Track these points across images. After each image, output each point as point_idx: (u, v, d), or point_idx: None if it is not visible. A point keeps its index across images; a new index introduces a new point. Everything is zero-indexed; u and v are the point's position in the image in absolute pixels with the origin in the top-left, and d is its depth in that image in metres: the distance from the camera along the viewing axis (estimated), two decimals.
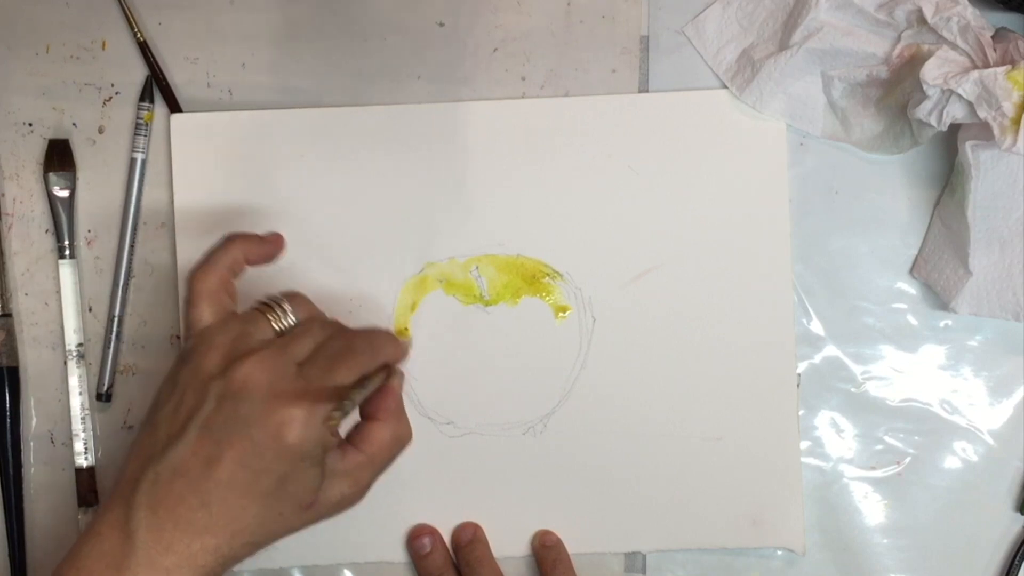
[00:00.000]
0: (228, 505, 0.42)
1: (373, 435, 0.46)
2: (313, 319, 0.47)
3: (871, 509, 0.56)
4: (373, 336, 0.47)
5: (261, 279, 0.56)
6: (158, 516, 0.42)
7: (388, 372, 0.47)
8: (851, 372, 0.56)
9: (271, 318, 0.46)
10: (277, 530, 0.44)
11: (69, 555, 0.43)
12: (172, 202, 0.56)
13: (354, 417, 0.47)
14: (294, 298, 0.47)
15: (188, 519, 0.42)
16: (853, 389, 0.56)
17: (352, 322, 0.55)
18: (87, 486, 0.56)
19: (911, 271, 0.56)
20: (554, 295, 0.56)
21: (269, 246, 0.50)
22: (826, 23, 0.53)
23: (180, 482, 0.42)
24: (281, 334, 0.46)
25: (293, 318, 0.47)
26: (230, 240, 0.49)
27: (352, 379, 0.45)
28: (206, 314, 0.46)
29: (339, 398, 0.43)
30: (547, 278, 0.56)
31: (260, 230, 0.55)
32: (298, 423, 0.42)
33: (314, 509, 0.45)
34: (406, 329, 0.55)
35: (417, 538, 0.55)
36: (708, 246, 0.56)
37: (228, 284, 0.48)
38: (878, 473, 0.56)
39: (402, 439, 0.47)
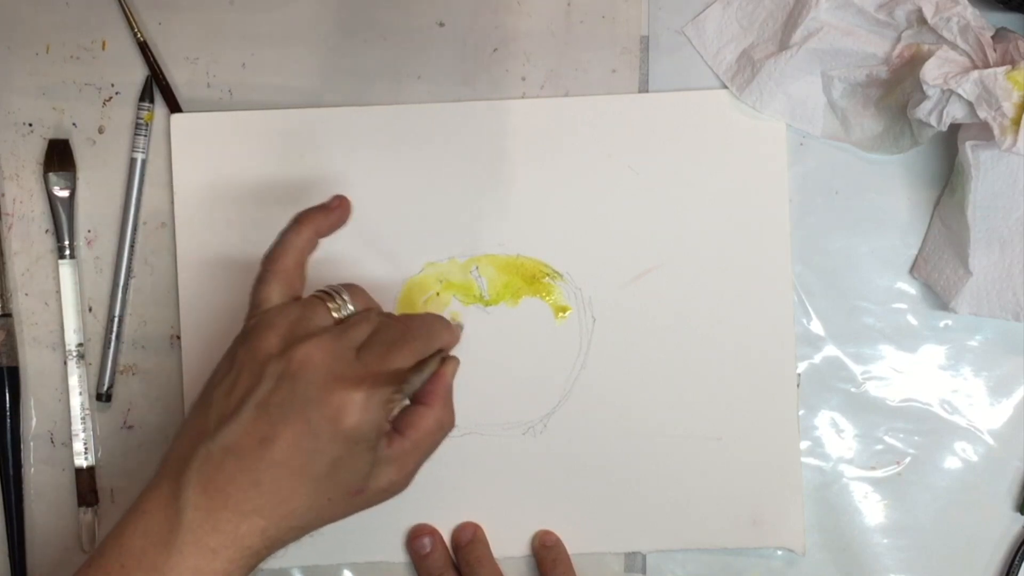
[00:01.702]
0: (279, 486, 0.42)
1: (419, 421, 0.46)
2: (370, 308, 0.47)
3: (871, 509, 0.56)
4: (429, 322, 0.48)
5: None
6: (208, 495, 0.41)
7: (443, 358, 0.48)
8: (851, 372, 0.56)
9: (330, 306, 0.46)
10: (325, 515, 0.44)
11: (113, 532, 0.42)
12: (172, 202, 0.56)
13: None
14: (352, 288, 0.47)
15: (238, 499, 0.41)
16: (853, 389, 0.56)
17: None
18: (87, 486, 0.56)
19: (911, 271, 0.56)
20: (554, 295, 0.56)
21: (336, 213, 0.50)
22: (826, 23, 0.53)
23: (232, 461, 0.42)
24: (340, 322, 0.46)
25: (351, 307, 0.46)
26: (300, 220, 0.48)
27: (409, 364, 0.45)
28: (275, 295, 0.46)
29: (398, 382, 0.44)
30: (547, 278, 0.56)
31: (260, 230, 0.55)
32: (357, 406, 0.42)
33: (363, 496, 0.44)
34: (458, 313, 0.55)
35: (417, 538, 0.55)
36: (708, 246, 0.56)
37: (301, 267, 0.48)
38: (878, 473, 0.56)
39: (445, 425, 0.47)
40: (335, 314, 0.46)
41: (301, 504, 0.43)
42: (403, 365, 0.45)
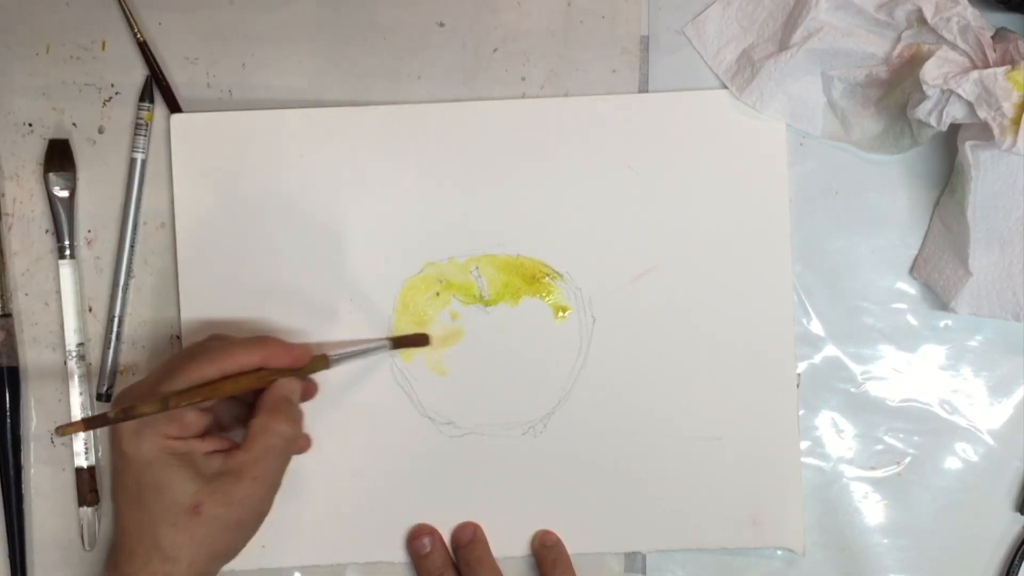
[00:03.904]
0: (125, 524, 0.48)
1: (250, 431, 0.49)
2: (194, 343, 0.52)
3: (871, 509, 0.56)
4: (241, 341, 0.50)
5: (266, 283, 0.56)
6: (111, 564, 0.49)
7: (275, 375, 0.49)
8: (851, 372, 0.56)
9: None
10: (181, 541, 0.47)
11: None
12: (172, 202, 0.56)
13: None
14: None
15: (120, 546, 0.48)
16: (853, 389, 0.56)
17: (351, 322, 0.55)
18: (87, 486, 0.56)
19: (911, 271, 0.56)
20: (554, 295, 0.56)
21: (295, 357, 0.52)
22: (826, 23, 0.53)
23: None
24: None
25: None
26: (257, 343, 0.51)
27: (189, 383, 0.48)
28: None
29: (167, 404, 0.47)
30: (547, 278, 0.56)
31: (260, 230, 0.55)
32: (127, 432, 0.47)
33: (209, 512, 0.47)
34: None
35: (417, 538, 0.55)
36: (708, 246, 0.56)
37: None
38: (878, 473, 0.56)
39: (282, 433, 0.49)
40: None
41: (141, 531, 0.47)
42: (175, 387, 0.47)
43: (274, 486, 0.49)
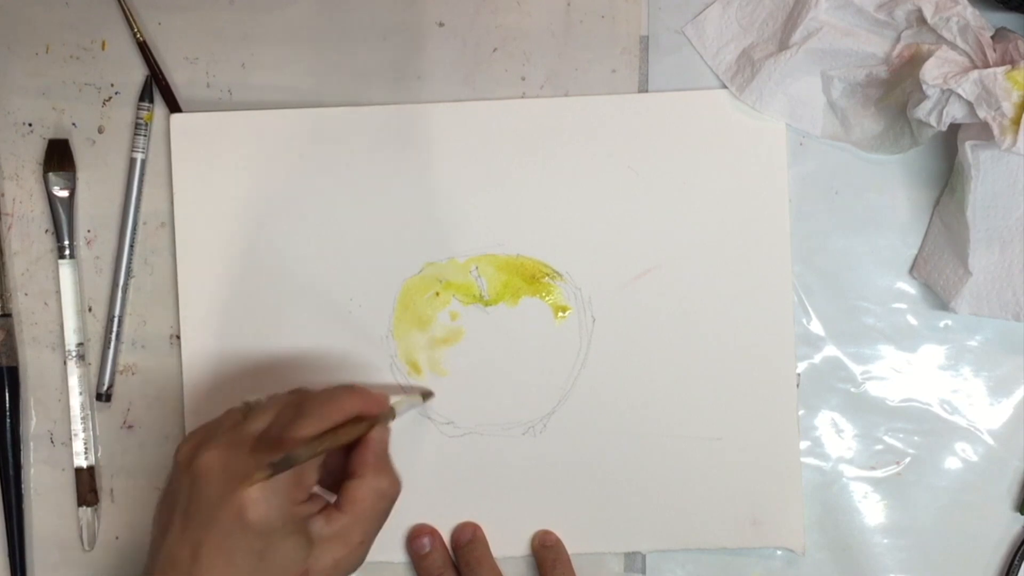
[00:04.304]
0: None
1: (353, 493, 0.46)
2: (277, 395, 0.48)
3: (871, 509, 0.56)
4: (330, 392, 0.48)
5: (266, 284, 0.56)
6: None
7: (367, 425, 0.47)
8: (851, 372, 0.56)
9: (244, 410, 0.48)
10: None
11: None
12: (172, 202, 0.56)
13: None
14: (268, 396, 0.49)
15: None
16: (853, 389, 0.56)
17: (351, 322, 0.55)
18: (87, 486, 0.56)
19: (911, 271, 0.56)
20: (554, 295, 0.56)
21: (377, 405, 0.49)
22: (826, 23, 0.53)
23: (173, 572, 0.44)
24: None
25: (261, 400, 0.48)
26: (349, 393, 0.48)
27: (309, 436, 0.45)
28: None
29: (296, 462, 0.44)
30: (547, 278, 0.56)
31: (260, 230, 0.55)
32: (255, 501, 0.43)
33: None
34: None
35: (417, 538, 0.55)
36: (708, 246, 0.56)
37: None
38: (878, 473, 0.56)
39: (385, 493, 0.47)
40: (243, 414, 0.47)
41: None
42: (300, 440, 0.45)
43: (372, 543, 0.47)
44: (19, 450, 0.56)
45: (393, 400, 0.50)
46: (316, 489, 0.47)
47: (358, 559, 0.47)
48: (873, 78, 0.53)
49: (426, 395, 0.55)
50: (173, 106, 0.57)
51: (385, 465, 0.48)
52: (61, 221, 0.56)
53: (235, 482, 0.43)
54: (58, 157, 0.57)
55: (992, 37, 0.51)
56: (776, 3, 0.55)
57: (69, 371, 0.56)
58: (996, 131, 0.48)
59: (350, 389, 0.48)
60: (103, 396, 0.56)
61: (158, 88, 0.57)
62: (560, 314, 0.56)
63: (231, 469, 0.44)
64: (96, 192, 0.57)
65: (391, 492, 0.47)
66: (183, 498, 0.45)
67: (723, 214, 0.56)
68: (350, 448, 0.48)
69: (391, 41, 0.57)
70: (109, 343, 0.56)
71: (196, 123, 0.56)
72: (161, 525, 0.46)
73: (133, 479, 0.56)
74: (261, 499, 0.43)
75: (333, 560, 0.45)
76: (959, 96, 0.49)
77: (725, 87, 0.56)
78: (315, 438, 0.45)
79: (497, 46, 0.57)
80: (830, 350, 0.56)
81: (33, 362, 0.57)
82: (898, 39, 0.53)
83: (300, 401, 0.47)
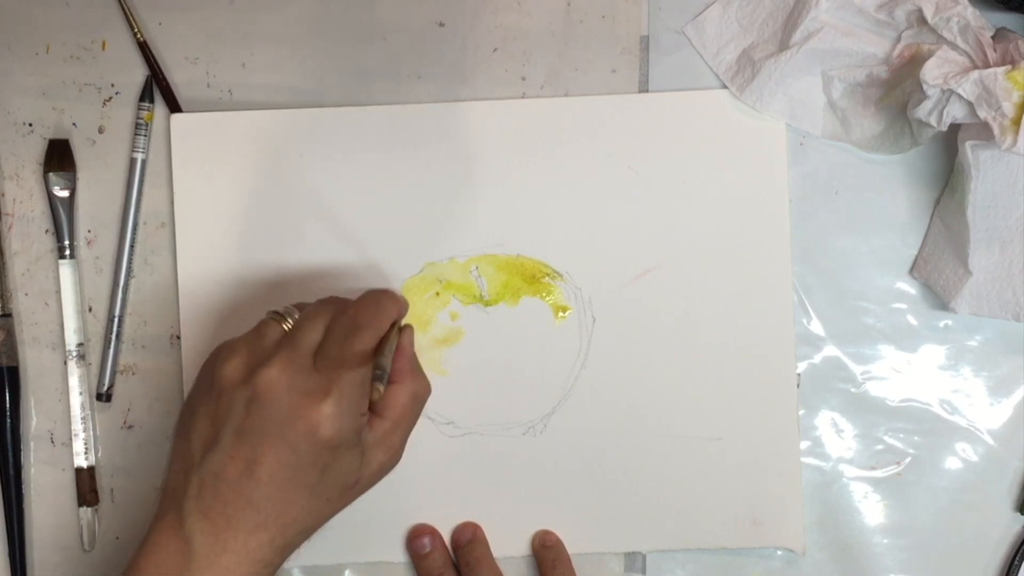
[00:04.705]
0: (274, 501, 0.44)
1: (394, 399, 0.47)
2: (313, 305, 0.48)
3: (871, 509, 0.56)
4: (375, 299, 0.48)
5: (266, 284, 0.56)
6: (210, 520, 0.43)
7: (398, 330, 0.48)
8: (851, 372, 0.56)
9: (279, 321, 0.48)
10: (327, 513, 0.46)
11: (128, 569, 0.44)
12: (172, 202, 0.56)
13: None
14: (300, 305, 0.49)
15: (238, 519, 0.43)
16: (853, 389, 0.56)
17: None
18: (87, 486, 0.56)
19: (911, 271, 0.56)
20: (554, 295, 0.56)
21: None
22: (826, 23, 0.53)
23: (223, 486, 0.44)
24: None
25: (298, 315, 0.48)
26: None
27: (369, 348, 0.46)
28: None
29: (361, 374, 0.45)
30: (547, 278, 0.56)
31: (260, 230, 0.55)
32: (329, 417, 0.44)
33: (359, 485, 0.47)
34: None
35: (417, 538, 0.55)
36: (708, 246, 0.56)
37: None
38: (878, 473, 0.56)
39: (420, 396, 0.49)
40: (284, 326, 0.47)
41: (301, 511, 0.44)
42: (363, 353, 0.45)
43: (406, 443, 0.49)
44: (19, 450, 0.56)
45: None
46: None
47: (397, 460, 0.48)
48: (873, 78, 0.53)
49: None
50: (173, 106, 0.57)
51: (417, 368, 0.49)
52: (61, 221, 0.56)
53: (306, 399, 0.44)
54: (58, 157, 0.57)
55: (992, 37, 0.51)
56: (776, 3, 0.55)
57: (69, 371, 0.56)
58: (996, 131, 0.48)
59: (387, 294, 0.48)
60: (103, 396, 0.56)
61: (158, 88, 0.57)
62: (560, 314, 0.56)
63: (298, 387, 0.44)
64: (96, 192, 0.57)
65: (424, 394, 0.49)
66: (236, 415, 0.44)
67: (723, 214, 0.56)
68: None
69: (391, 41, 0.57)
70: (109, 343, 0.56)
71: (196, 123, 0.56)
72: (201, 440, 0.45)
73: (133, 479, 0.56)
74: (335, 415, 0.44)
75: (379, 464, 0.47)
76: (959, 96, 0.49)
77: (725, 87, 0.56)
78: (376, 348, 0.46)
79: (497, 46, 0.57)
80: (830, 350, 0.56)
81: (33, 362, 0.57)
82: (898, 39, 0.53)
83: (344, 310, 0.47)
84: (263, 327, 0.47)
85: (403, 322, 0.50)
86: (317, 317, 0.47)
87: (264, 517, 0.44)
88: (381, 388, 0.45)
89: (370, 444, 0.46)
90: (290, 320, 0.48)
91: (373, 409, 0.47)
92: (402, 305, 0.49)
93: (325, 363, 0.45)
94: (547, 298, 0.56)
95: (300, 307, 0.49)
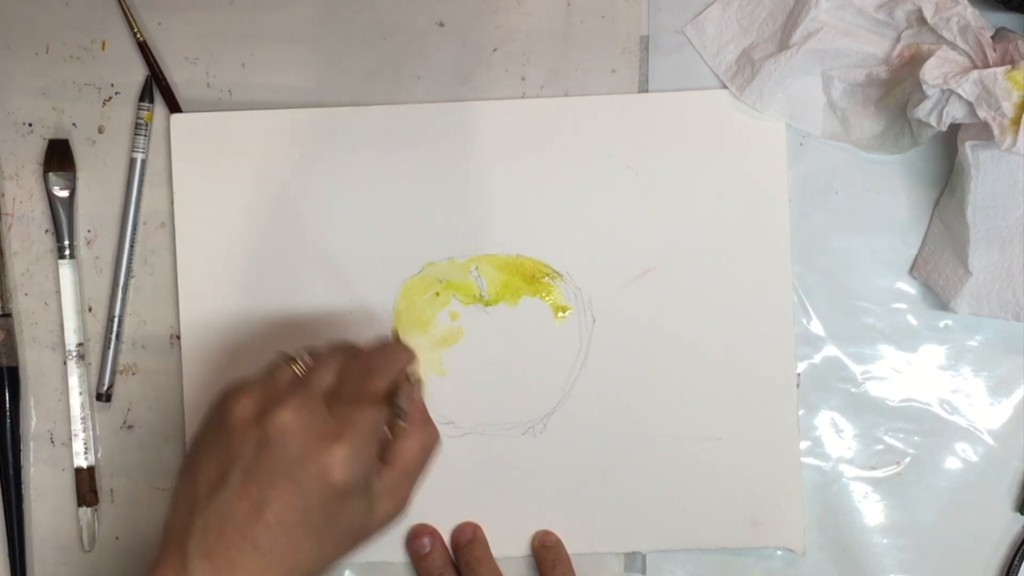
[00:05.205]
0: (280, 545, 0.42)
1: (404, 448, 0.47)
2: (326, 350, 0.48)
3: (871, 509, 0.56)
4: (386, 346, 0.48)
5: (266, 283, 0.56)
6: (213, 563, 0.42)
7: (411, 379, 0.48)
8: (851, 372, 0.56)
9: (290, 363, 0.47)
10: (331, 559, 0.45)
11: None
12: (172, 202, 0.56)
13: None
14: (310, 347, 0.48)
15: (243, 563, 0.42)
16: (853, 389, 0.56)
17: (351, 322, 0.55)
18: (87, 486, 0.56)
19: (911, 271, 0.56)
20: (554, 295, 0.56)
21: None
22: (826, 23, 0.53)
23: (229, 528, 0.42)
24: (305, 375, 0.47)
25: (309, 358, 0.47)
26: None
27: (383, 391, 0.46)
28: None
29: (375, 419, 0.45)
30: (547, 278, 0.56)
31: (260, 230, 0.55)
32: (341, 461, 0.43)
33: (364, 533, 0.46)
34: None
35: (417, 538, 0.55)
36: (708, 246, 0.56)
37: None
38: (878, 473, 0.56)
39: (430, 446, 0.48)
40: (296, 368, 0.47)
41: (306, 556, 0.43)
42: (376, 395, 0.45)
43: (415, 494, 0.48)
44: (19, 450, 0.56)
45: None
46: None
47: (403, 511, 0.47)
48: (873, 78, 0.53)
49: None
50: (173, 106, 0.57)
51: (426, 418, 0.48)
52: (61, 221, 0.56)
53: (319, 442, 0.43)
54: (58, 157, 0.57)
55: (992, 37, 0.51)
56: (776, 3, 0.55)
57: (69, 371, 0.56)
58: (996, 131, 0.48)
59: (398, 343, 0.49)
60: (103, 396, 0.56)
61: (158, 88, 0.57)
62: (560, 314, 0.56)
63: (311, 429, 0.43)
64: (96, 192, 0.57)
65: (433, 444, 0.48)
66: (245, 456, 0.43)
67: (723, 214, 0.56)
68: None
69: (391, 41, 0.57)
70: (109, 343, 0.56)
71: (196, 123, 0.56)
72: (207, 481, 0.44)
73: (133, 479, 0.56)
74: (348, 459, 0.43)
75: (385, 514, 0.46)
76: (959, 96, 0.49)
77: (725, 87, 0.56)
78: (389, 394, 0.46)
79: (497, 46, 0.57)
80: (830, 350, 0.56)
81: (33, 362, 0.57)
82: (898, 39, 0.53)
83: (356, 354, 0.47)
84: (275, 368, 0.47)
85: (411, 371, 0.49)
86: (330, 360, 0.47)
87: (268, 561, 0.42)
88: (403, 424, 0.46)
89: (378, 493, 0.46)
90: (301, 363, 0.47)
91: (383, 458, 0.46)
92: (412, 354, 0.49)
93: (339, 406, 0.45)
94: (547, 298, 0.56)
95: (311, 350, 0.48)
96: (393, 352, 0.48)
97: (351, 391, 0.45)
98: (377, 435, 0.45)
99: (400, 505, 0.47)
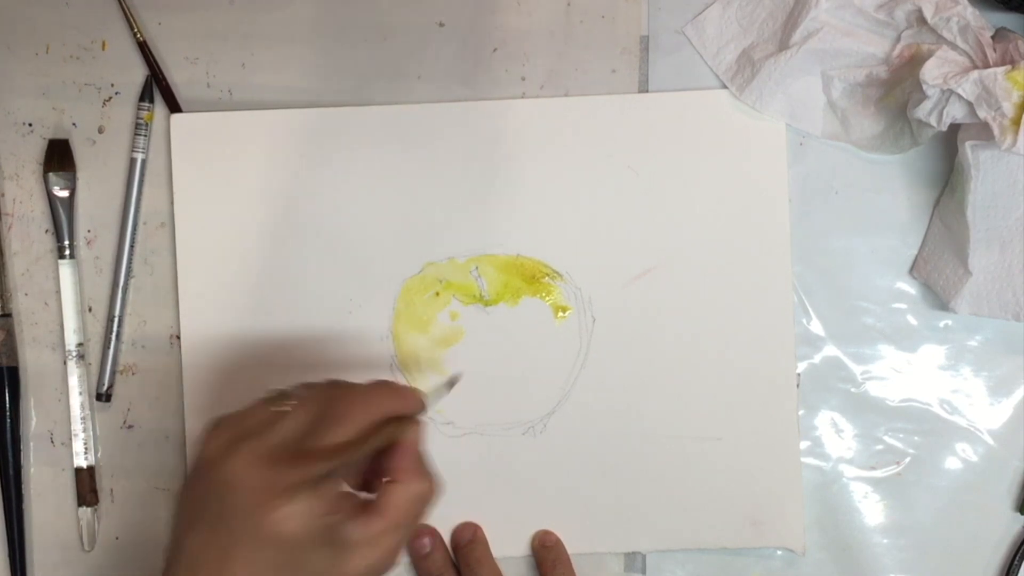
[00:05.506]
0: None
1: (392, 499, 0.44)
2: (312, 392, 0.46)
3: (871, 509, 0.56)
4: (365, 392, 0.46)
5: (266, 283, 0.56)
6: None
7: (403, 426, 0.45)
8: (851, 372, 0.56)
9: (273, 402, 0.45)
10: None
11: None
12: (172, 202, 0.56)
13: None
14: (303, 385, 0.46)
15: None
16: (853, 389, 0.56)
17: (351, 322, 0.55)
18: (87, 486, 0.56)
19: (911, 271, 0.56)
20: (554, 295, 0.56)
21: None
22: (826, 23, 0.53)
23: (202, 572, 0.42)
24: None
25: (296, 399, 0.45)
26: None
27: (342, 441, 0.43)
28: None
29: (329, 464, 0.42)
30: (547, 278, 0.56)
31: (260, 230, 0.55)
32: (291, 515, 0.41)
33: None
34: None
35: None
36: (708, 246, 0.56)
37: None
38: (878, 473, 0.56)
39: (423, 497, 0.45)
40: (273, 407, 0.45)
41: None
42: (332, 448, 0.43)
43: (405, 545, 0.46)
44: (19, 450, 0.56)
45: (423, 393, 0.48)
46: (343, 486, 0.45)
47: (393, 563, 0.45)
48: (873, 78, 0.53)
49: (452, 381, 0.52)
50: (173, 106, 0.57)
51: (422, 468, 0.46)
52: (61, 221, 0.56)
53: (268, 495, 0.41)
54: (58, 157, 0.57)
55: (992, 37, 0.51)
56: (776, 3, 0.55)
57: (69, 371, 0.56)
58: (996, 131, 0.48)
59: (385, 387, 0.46)
60: (103, 396, 0.56)
61: (158, 88, 0.57)
62: (560, 314, 0.56)
63: (264, 481, 0.42)
64: (96, 192, 0.57)
65: (430, 496, 0.45)
66: (211, 502, 0.43)
67: (723, 214, 0.56)
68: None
69: (391, 41, 0.57)
70: (109, 343, 0.56)
71: (196, 123, 0.56)
72: (185, 520, 0.44)
73: (133, 479, 0.56)
74: (295, 514, 0.41)
75: (367, 565, 0.43)
76: (959, 96, 0.49)
77: (725, 87, 0.56)
78: (350, 443, 0.43)
79: (497, 46, 0.57)
80: (830, 350, 0.56)
81: (33, 362, 0.57)
82: (898, 39, 0.53)
83: (335, 398, 0.45)
84: (253, 407, 0.45)
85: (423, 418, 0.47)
86: (309, 404, 0.44)
87: None
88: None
89: (358, 542, 0.43)
90: (286, 404, 0.45)
91: (369, 507, 0.44)
92: (408, 402, 0.46)
93: (299, 456, 0.43)
94: (547, 298, 0.56)
95: (300, 390, 0.46)
96: (371, 398, 0.45)
97: (314, 441, 0.43)
98: (336, 484, 0.43)
99: (385, 555, 0.44)
